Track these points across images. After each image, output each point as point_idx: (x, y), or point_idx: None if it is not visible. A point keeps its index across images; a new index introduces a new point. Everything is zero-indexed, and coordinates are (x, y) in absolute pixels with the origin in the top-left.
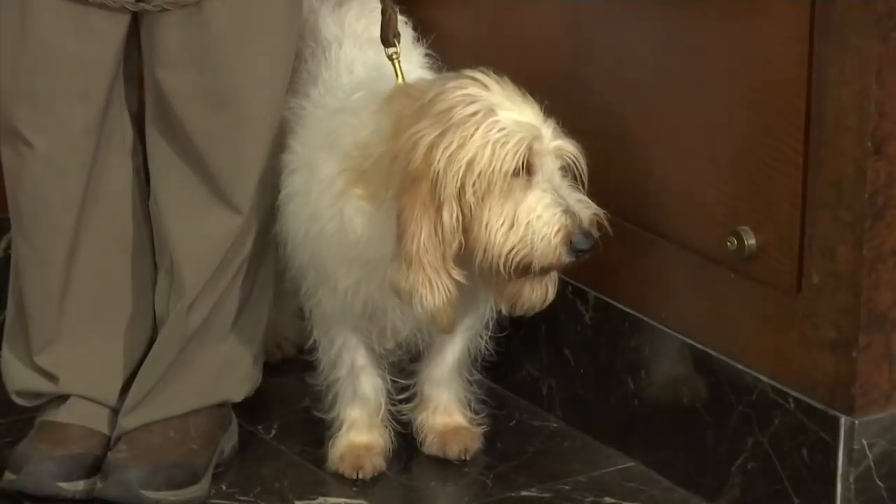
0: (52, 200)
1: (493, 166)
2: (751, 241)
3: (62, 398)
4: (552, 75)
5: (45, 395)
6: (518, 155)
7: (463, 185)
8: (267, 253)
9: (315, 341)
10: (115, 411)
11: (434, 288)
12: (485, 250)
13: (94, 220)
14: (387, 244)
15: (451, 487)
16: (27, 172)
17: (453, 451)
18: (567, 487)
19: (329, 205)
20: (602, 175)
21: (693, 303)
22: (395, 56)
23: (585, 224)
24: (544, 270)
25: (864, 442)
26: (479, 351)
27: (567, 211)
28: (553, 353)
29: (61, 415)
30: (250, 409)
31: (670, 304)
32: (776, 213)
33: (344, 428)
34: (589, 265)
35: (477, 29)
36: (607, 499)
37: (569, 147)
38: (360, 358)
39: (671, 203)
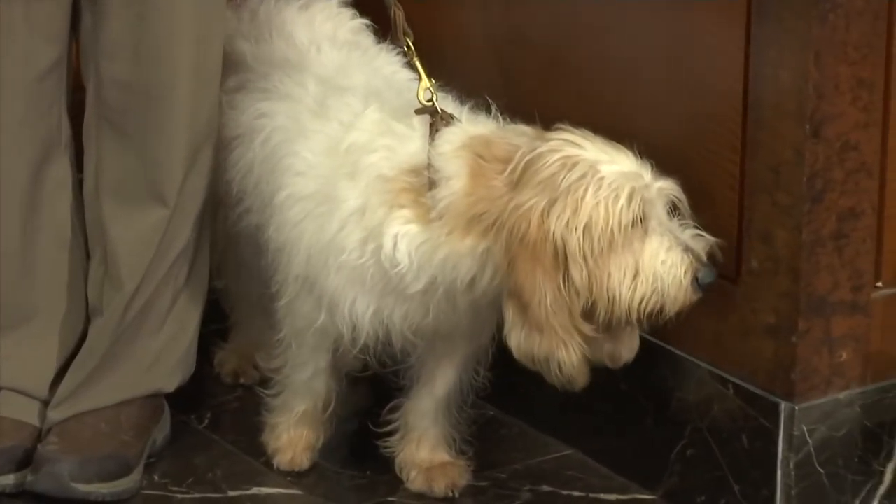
0: None
1: (610, 224)
2: None
3: None
4: (485, 59)
5: None
6: (632, 207)
7: (582, 250)
8: (202, 245)
9: (283, 337)
10: (46, 404)
11: (570, 349)
12: (610, 308)
13: (32, 214)
14: (437, 275)
15: (386, 477)
16: None
17: (440, 488)
18: (504, 476)
19: (362, 238)
20: None
21: None
22: (411, 54)
23: (705, 257)
24: (677, 312)
25: (805, 428)
26: (472, 385)
27: (687, 249)
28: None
29: None
30: (182, 399)
31: None
32: (714, 197)
33: (288, 417)
34: None
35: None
36: (545, 487)
37: (671, 186)
38: (323, 361)
39: None
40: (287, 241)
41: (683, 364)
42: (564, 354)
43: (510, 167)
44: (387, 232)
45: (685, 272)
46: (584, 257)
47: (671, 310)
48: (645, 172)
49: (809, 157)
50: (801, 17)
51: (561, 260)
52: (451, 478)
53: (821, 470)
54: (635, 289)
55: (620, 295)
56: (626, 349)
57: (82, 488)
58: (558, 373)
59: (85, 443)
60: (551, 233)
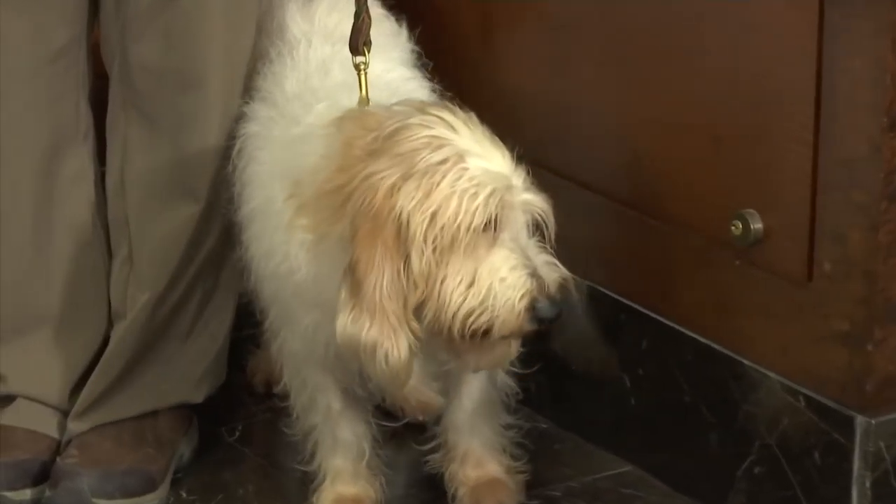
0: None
1: (459, 221)
2: (757, 225)
3: (7, 399)
4: (539, 52)
5: None
6: (488, 209)
7: (425, 238)
8: (231, 248)
9: (286, 384)
10: (66, 414)
11: (399, 340)
12: (437, 311)
13: (45, 209)
14: (331, 284)
15: (433, 493)
16: None
17: None
18: (558, 494)
19: (282, 241)
20: (595, 154)
21: (694, 292)
22: (362, 66)
23: (552, 290)
24: (503, 338)
25: (882, 444)
26: (508, 389)
27: (533, 274)
28: (541, 347)
29: (6, 417)
30: (212, 410)
31: (669, 294)
32: (784, 194)
33: (328, 479)
34: (581, 250)
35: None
36: None
37: (538, 202)
38: (337, 401)
39: (670, 184)
40: (252, 259)
41: (751, 374)
42: (393, 345)
43: (373, 135)
44: (293, 240)
45: (521, 297)
46: (425, 247)
47: (498, 334)
48: (515, 178)
49: (886, 152)
50: (876, 0)
51: (403, 241)
52: (500, 496)
53: None
54: (465, 299)
55: (451, 301)
56: (489, 357)
57: None
58: (384, 365)
59: (107, 456)
60: (398, 207)
